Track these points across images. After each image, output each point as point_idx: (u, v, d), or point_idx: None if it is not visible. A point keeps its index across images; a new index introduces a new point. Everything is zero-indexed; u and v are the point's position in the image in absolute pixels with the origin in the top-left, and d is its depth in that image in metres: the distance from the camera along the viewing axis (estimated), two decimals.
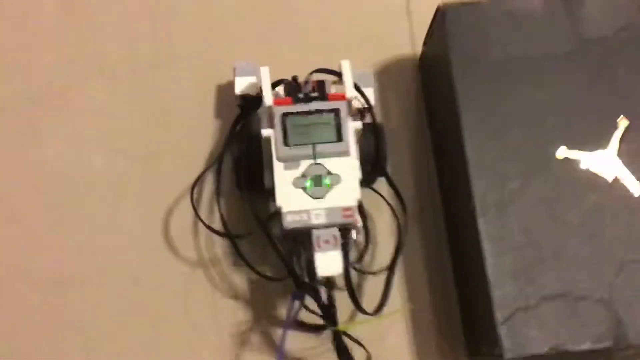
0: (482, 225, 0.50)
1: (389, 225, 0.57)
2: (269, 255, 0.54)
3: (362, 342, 0.53)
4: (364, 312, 0.53)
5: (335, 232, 0.50)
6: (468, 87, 0.53)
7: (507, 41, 0.54)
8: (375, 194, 0.57)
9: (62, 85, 0.61)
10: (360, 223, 0.53)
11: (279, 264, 0.53)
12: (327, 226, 0.50)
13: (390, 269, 0.55)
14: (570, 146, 0.51)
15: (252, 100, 0.55)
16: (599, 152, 0.51)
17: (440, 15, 0.54)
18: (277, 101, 0.51)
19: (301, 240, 0.51)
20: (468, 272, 0.54)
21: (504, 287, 0.49)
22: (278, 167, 0.51)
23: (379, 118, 0.57)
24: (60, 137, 0.60)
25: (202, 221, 0.57)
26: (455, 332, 0.56)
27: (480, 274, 0.50)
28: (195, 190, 0.57)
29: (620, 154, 0.51)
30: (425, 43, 0.60)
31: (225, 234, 0.56)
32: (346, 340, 0.52)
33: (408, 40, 0.63)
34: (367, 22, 0.63)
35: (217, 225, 0.57)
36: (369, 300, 0.54)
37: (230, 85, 0.57)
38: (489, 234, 0.50)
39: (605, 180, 0.51)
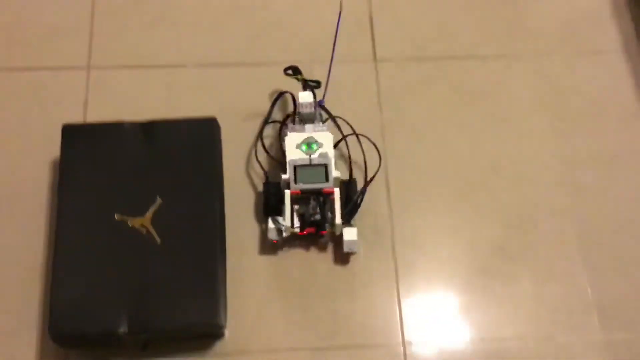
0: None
1: None
2: None
3: None
4: None
5: None
6: (71, 172, 0.88)
7: (100, 150, 0.89)
8: None
9: None
10: None
11: None
12: None
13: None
14: (124, 212, 0.86)
15: None
16: (136, 219, 0.86)
17: (63, 129, 0.90)
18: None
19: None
20: None
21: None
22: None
23: None
24: None
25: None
26: None
27: None
28: None
29: (153, 220, 0.86)
30: None
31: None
32: None
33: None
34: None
35: None
36: None
37: None
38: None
39: (137, 232, 0.85)
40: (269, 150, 0.98)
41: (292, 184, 0.89)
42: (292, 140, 0.91)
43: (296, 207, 0.90)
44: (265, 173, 0.96)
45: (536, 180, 0.99)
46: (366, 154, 0.96)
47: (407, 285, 0.92)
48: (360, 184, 0.95)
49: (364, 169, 0.96)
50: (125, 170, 0.88)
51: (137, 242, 0.84)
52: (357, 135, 0.97)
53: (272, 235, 0.91)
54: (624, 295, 0.92)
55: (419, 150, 1.01)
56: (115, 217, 0.85)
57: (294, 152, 0.90)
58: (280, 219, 0.90)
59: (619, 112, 1.04)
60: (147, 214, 0.86)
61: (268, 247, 0.93)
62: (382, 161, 0.97)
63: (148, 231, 0.85)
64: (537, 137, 1.02)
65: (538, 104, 1.04)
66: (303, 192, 0.89)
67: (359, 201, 0.93)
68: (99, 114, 0.99)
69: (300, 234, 0.91)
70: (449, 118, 1.03)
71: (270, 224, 0.91)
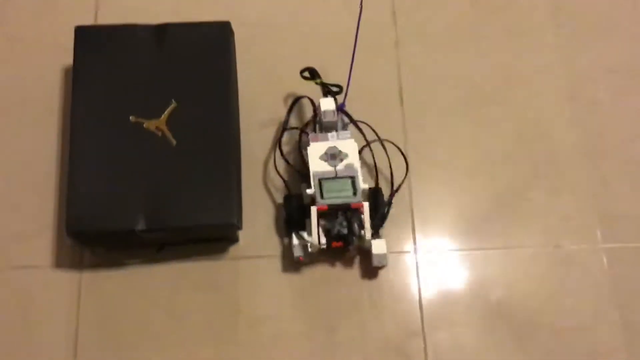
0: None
1: None
2: None
3: None
4: None
5: None
6: (84, 74, 0.87)
7: (113, 52, 0.88)
8: None
9: None
10: None
11: None
12: None
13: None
14: (138, 115, 0.85)
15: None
16: (151, 121, 0.85)
17: (76, 31, 0.89)
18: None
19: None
20: None
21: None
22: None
23: None
24: None
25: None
26: None
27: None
28: None
29: (168, 122, 0.85)
30: None
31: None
32: None
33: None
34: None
35: None
36: None
37: None
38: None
39: (153, 134, 0.84)
40: (287, 159, 0.92)
41: (318, 199, 0.82)
42: (315, 151, 0.85)
43: (322, 221, 0.84)
44: (286, 184, 0.91)
45: (550, 93, 0.98)
46: (389, 155, 0.92)
47: (421, 204, 0.93)
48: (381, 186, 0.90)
49: (387, 174, 0.92)
50: (139, 72, 0.87)
51: (153, 144, 0.84)
52: (381, 142, 0.92)
53: (298, 252, 0.85)
54: (632, 207, 0.93)
55: (433, 61, 1.00)
56: (130, 119, 0.85)
57: (317, 163, 0.84)
58: (304, 234, 0.85)
59: (633, 24, 1.03)
60: (162, 116, 0.85)
61: (293, 264, 0.89)
62: (405, 155, 0.93)
63: (163, 133, 0.84)
64: (551, 50, 1.01)
65: (553, 16, 1.02)
66: (330, 207, 0.83)
67: (386, 212, 0.89)
68: (109, 20, 0.98)
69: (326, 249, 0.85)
70: (466, 32, 1.01)
71: (295, 240, 0.85)
